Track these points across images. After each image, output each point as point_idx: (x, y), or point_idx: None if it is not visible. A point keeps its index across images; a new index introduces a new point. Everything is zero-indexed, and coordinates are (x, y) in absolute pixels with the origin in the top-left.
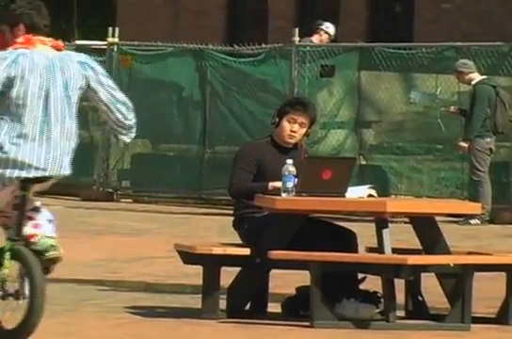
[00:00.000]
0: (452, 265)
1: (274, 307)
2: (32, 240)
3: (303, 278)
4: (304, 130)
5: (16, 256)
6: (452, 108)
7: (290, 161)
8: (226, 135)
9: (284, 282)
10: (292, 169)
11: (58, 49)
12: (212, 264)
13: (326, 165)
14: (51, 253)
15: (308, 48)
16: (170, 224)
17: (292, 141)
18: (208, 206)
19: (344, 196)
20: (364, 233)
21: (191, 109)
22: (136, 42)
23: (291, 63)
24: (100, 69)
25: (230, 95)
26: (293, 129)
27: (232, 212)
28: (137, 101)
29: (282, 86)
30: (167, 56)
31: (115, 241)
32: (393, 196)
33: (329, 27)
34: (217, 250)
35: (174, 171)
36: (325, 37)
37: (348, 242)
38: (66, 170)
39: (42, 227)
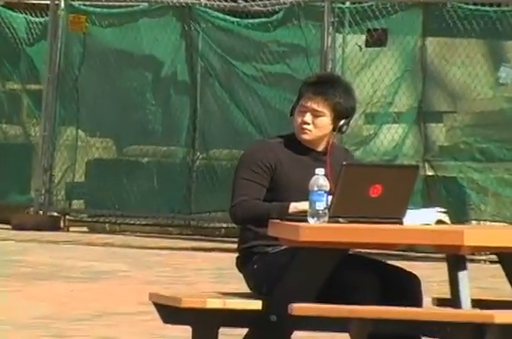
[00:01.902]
0: None
1: None
2: None
3: None
4: (324, 120)
5: None
6: None
7: (321, 171)
8: (225, 132)
9: None
10: (323, 182)
11: None
12: (205, 323)
13: (374, 176)
14: None
15: (348, 4)
16: (144, 264)
17: (306, 138)
18: (199, 238)
19: (401, 222)
20: (431, 277)
21: (174, 94)
22: None
23: (323, 26)
24: None
25: (231, 74)
26: (304, 119)
27: (234, 246)
28: (94, 81)
29: (310, 59)
30: (137, 15)
31: (62, 289)
32: (475, 222)
33: None
34: (214, 303)
35: (150, 186)
36: None
37: (407, 290)
38: None
39: None
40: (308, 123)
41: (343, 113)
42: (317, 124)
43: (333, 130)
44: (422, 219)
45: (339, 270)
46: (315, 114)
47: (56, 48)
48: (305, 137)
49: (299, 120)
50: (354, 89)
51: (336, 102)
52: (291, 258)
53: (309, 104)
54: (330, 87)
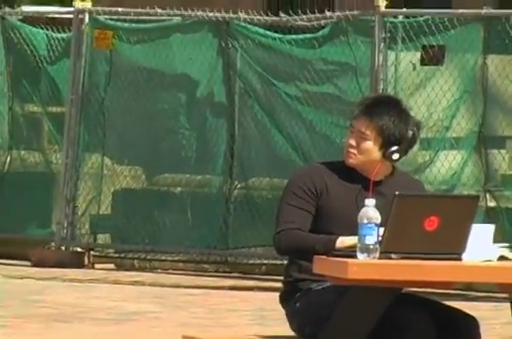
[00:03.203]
0: None
1: None
2: None
3: None
4: (368, 144)
5: None
6: None
7: (371, 202)
8: (266, 159)
9: None
10: (374, 214)
11: None
12: None
13: (430, 208)
14: None
15: (401, 18)
16: (177, 305)
17: (351, 162)
18: (238, 276)
19: (460, 259)
20: (493, 319)
21: (210, 118)
22: (119, 9)
23: (373, 43)
24: None
25: (273, 95)
26: (349, 142)
27: (276, 284)
28: (122, 103)
29: (359, 79)
30: (169, 31)
31: (87, 333)
32: None
33: None
34: None
35: (183, 219)
36: None
37: (464, 334)
38: None
39: None
40: (353, 146)
41: (391, 139)
42: (361, 148)
43: (383, 157)
44: (483, 255)
45: (391, 311)
46: (361, 136)
47: (80, 67)
48: (350, 160)
49: (346, 142)
50: (413, 116)
51: (382, 125)
52: (338, 296)
53: (355, 124)
54: (382, 109)
